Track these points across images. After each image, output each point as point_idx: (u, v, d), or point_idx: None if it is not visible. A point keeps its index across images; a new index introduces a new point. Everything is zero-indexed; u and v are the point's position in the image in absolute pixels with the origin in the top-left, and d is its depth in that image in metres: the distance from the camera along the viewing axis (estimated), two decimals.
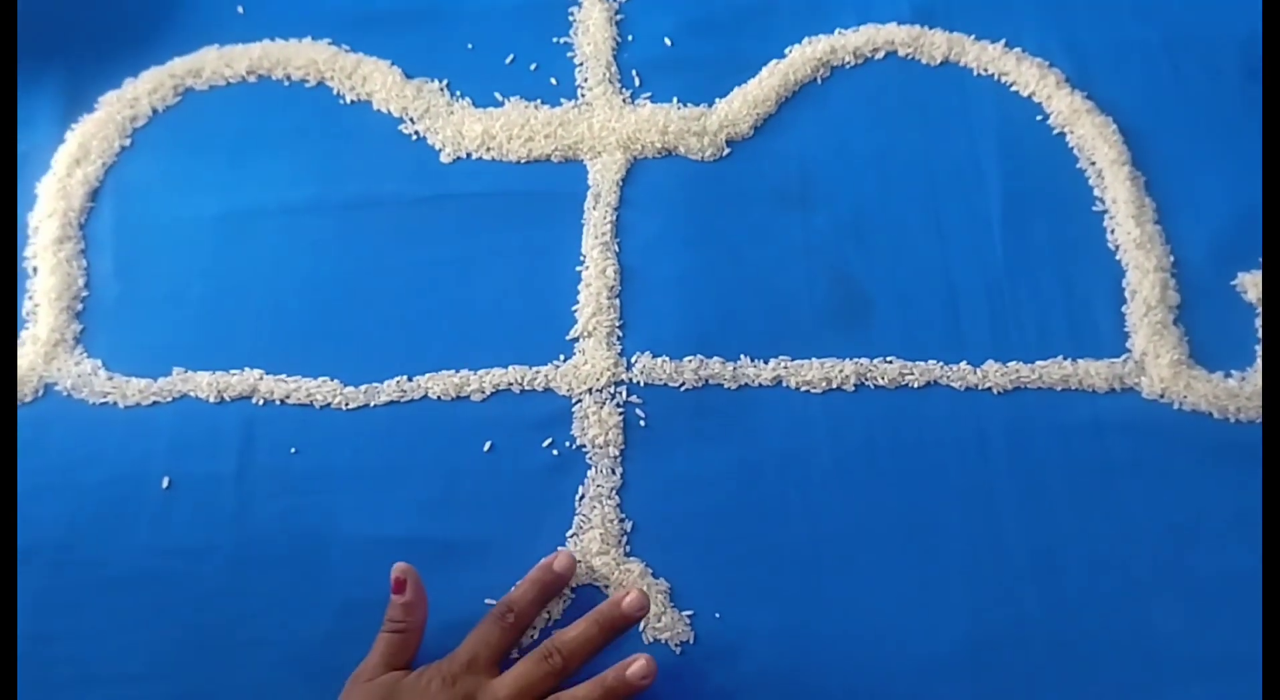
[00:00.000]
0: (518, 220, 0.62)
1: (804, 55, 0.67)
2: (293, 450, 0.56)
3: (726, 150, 0.64)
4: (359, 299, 0.60)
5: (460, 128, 0.65)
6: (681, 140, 0.64)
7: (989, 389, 0.57)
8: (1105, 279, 0.60)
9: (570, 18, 0.69)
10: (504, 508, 0.55)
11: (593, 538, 0.54)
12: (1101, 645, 0.51)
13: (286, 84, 0.67)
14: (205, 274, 0.61)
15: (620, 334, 0.59)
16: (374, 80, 0.66)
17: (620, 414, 0.57)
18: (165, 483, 0.55)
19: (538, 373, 0.58)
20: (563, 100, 0.66)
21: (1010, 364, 0.58)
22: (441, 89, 0.66)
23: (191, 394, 0.58)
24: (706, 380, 0.58)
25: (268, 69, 0.67)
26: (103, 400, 0.58)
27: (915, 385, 0.57)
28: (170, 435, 0.57)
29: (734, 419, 0.57)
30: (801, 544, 0.54)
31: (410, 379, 0.58)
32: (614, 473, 0.56)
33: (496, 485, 0.55)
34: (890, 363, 0.58)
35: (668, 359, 0.58)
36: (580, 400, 0.57)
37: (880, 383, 0.57)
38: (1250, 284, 0.59)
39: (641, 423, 0.57)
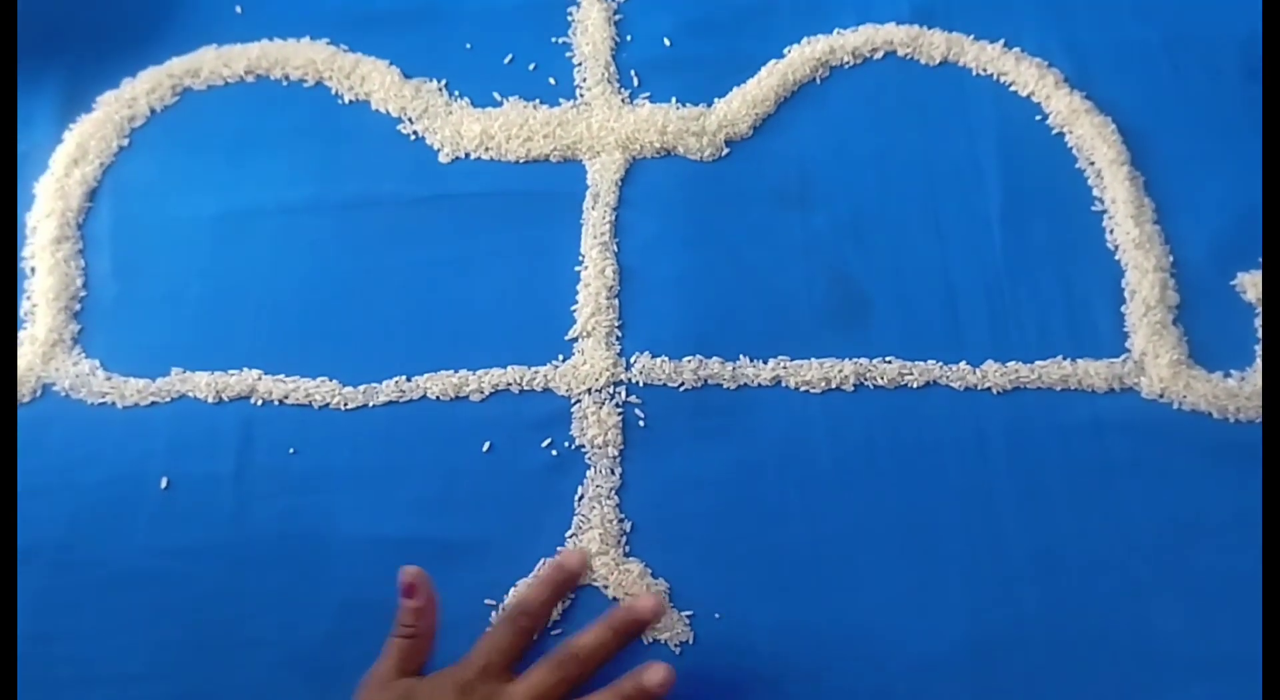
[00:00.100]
0: (516, 220, 0.62)
1: (803, 55, 0.67)
2: (291, 450, 0.56)
3: (725, 150, 0.64)
4: (358, 299, 0.60)
5: (459, 127, 0.65)
6: (680, 140, 0.64)
7: (988, 389, 0.57)
8: (1104, 279, 0.60)
9: (569, 18, 0.69)
10: (503, 508, 0.55)
11: (592, 538, 0.54)
12: (1101, 645, 0.51)
13: (285, 84, 0.67)
14: (203, 274, 0.61)
15: (619, 334, 0.59)
16: (372, 80, 0.66)
17: (619, 414, 0.57)
18: (164, 483, 0.55)
19: (537, 373, 0.58)
20: (561, 100, 0.66)
21: (1009, 364, 0.58)
22: (440, 89, 0.66)
23: (190, 394, 0.58)
24: (706, 380, 0.58)
25: (266, 69, 0.67)
26: (101, 400, 0.58)
27: (914, 385, 0.57)
28: (169, 435, 0.57)
29: (733, 419, 0.57)
30: (801, 544, 0.54)
31: (409, 379, 0.58)
32: (613, 473, 0.55)
33: (495, 485, 0.55)
34: (889, 363, 0.58)
35: (667, 359, 0.58)
36: (579, 400, 0.57)
37: (879, 383, 0.57)
38: (1250, 284, 0.59)
39: (641, 423, 0.57)
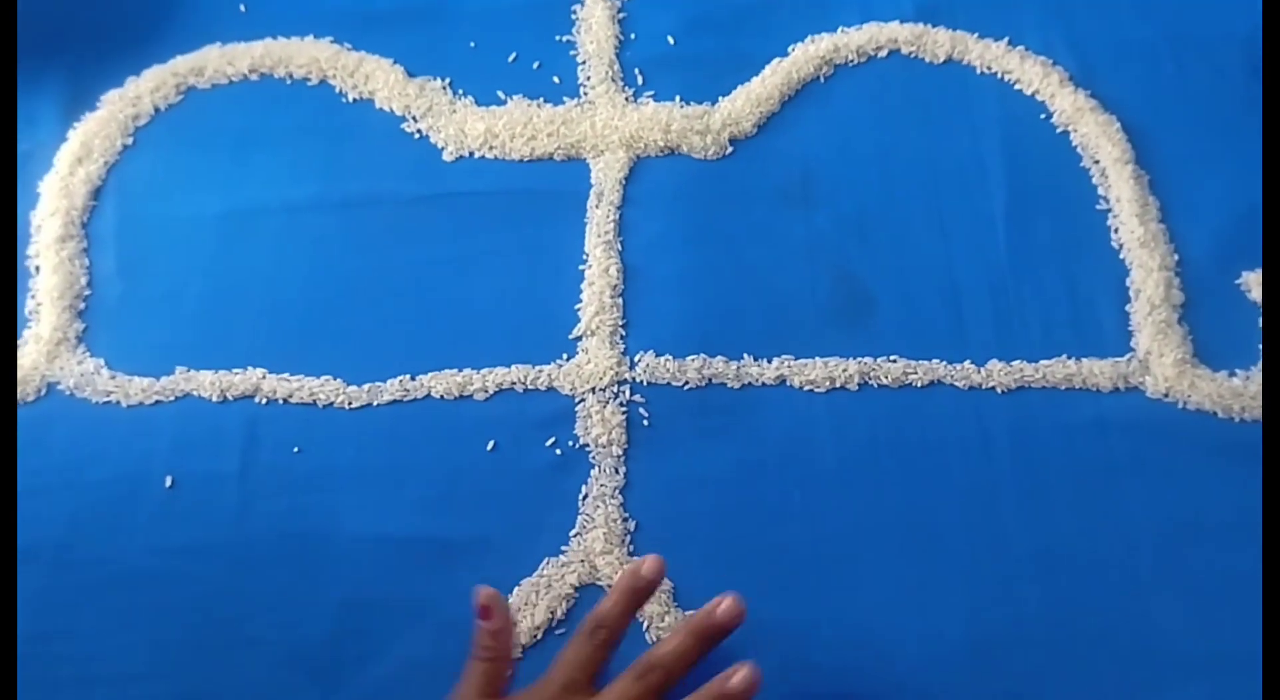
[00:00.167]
0: (520, 219, 0.62)
1: (807, 53, 0.67)
2: (295, 449, 0.56)
3: (729, 149, 0.64)
4: (362, 298, 0.60)
5: (463, 126, 0.65)
6: (684, 139, 0.64)
7: (993, 388, 0.57)
8: (1109, 278, 0.60)
9: (573, 16, 0.69)
10: (507, 507, 0.55)
11: (596, 537, 0.54)
12: (1104, 644, 0.51)
13: (289, 82, 0.67)
14: (208, 273, 0.61)
15: (623, 333, 0.59)
16: (376, 79, 0.66)
17: (623, 413, 0.57)
18: (168, 482, 0.55)
19: (541, 372, 0.58)
20: (565, 99, 0.66)
21: (1014, 363, 0.58)
22: (444, 87, 0.66)
23: (194, 393, 0.58)
24: (710, 379, 0.58)
25: (270, 67, 0.67)
26: (105, 399, 0.58)
27: (919, 384, 0.57)
28: (173, 434, 0.57)
29: (737, 418, 0.57)
30: (804, 543, 0.54)
31: (413, 378, 0.58)
32: (617, 472, 0.55)
33: (499, 485, 0.55)
34: (894, 362, 0.58)
35: (671, 358, 0.58)
36: (583, 399, 0.57)
37: (884, 382, 0.57)
38: (1254, 283, 0.59)
39: (645, 422, 0.57)
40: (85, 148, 0.64)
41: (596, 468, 0.56)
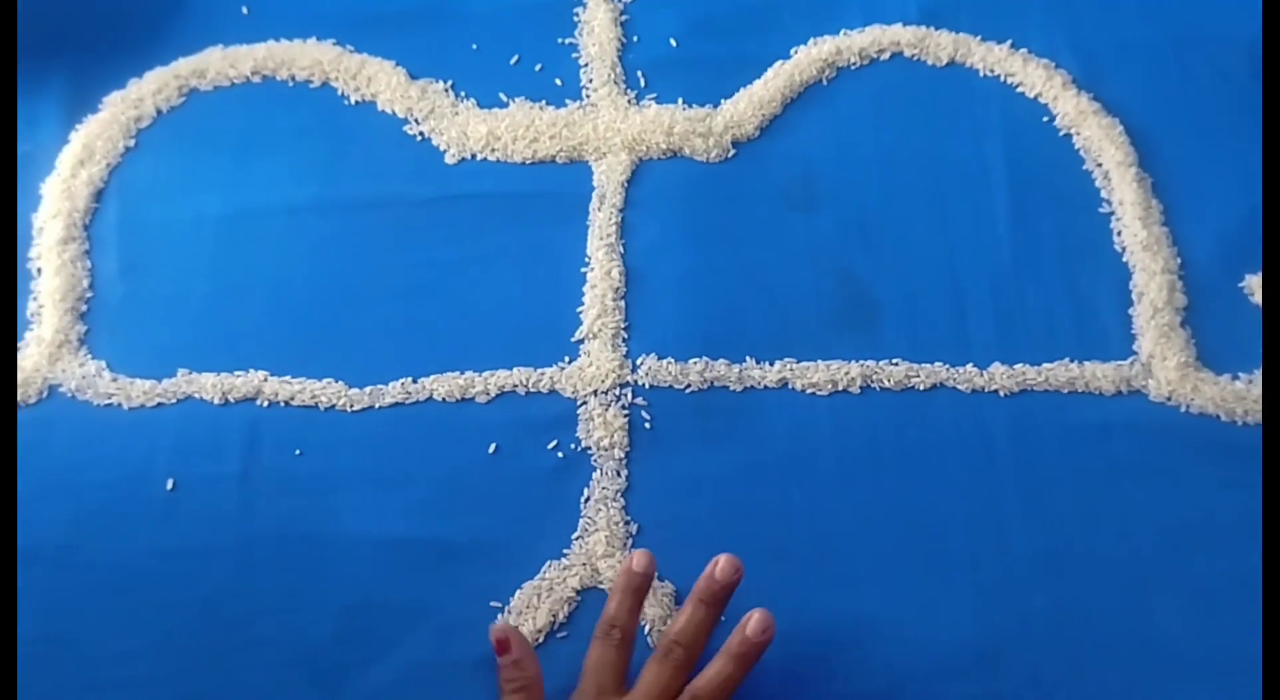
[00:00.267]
0: (522, 221, 0.62)
1: (810, 56, 0.67)
2: (297, 452, 0.56)
3: (732, 151, 0.64)
4: (364, 300, 0.60)
5: (465, 128, 0.65)
6: (686, 141, 0.64)
7: (995, 391, 0.57)
8: (1112, 281, 0.60)
9: (575, 18, 0.68)
10: (509, 510, 0.55)
11: (598, 540, 0.54)
12: (1107, 647, 0.51)
13: (291, 84, 0.67)
14: (210, 275, 0.61)
15: (625, 336, 0.59)
16: (379, 81, 0.66)
17: (625, 416, 0.57)
18: (170, 484, 0.55)
19: (543, 374, 0.58)
20: (568, 101, 0.66)
21: (1016, 366, 0.58)
22: (446, 90, 0.66)
23: (196, 395, 0.58)
24: (712, 382, 0.58)
25: (272, 69, 0.67)
26: (107, 401, 0.58)
27: (921, 387, 0.57)
28: (174, 437, 0.57)
29: (739, 421, 0.57)
30: (806, 546, 0.54)
31: (415, 381, 0.58)
32: (619, 475, 0.55)
33: (501, 487, 0.55)
34: (896, 365, 0.58)
35: (673, 361, 0.58)
36: (585, 402, 0.57)
37: (886, 385, 0.57)
38: (1257, 286, 0.59)
39: (647, 425, 0.57)
40: (87, 150, 0.64)
41: (598, 470, 0.55)
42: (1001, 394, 0.57)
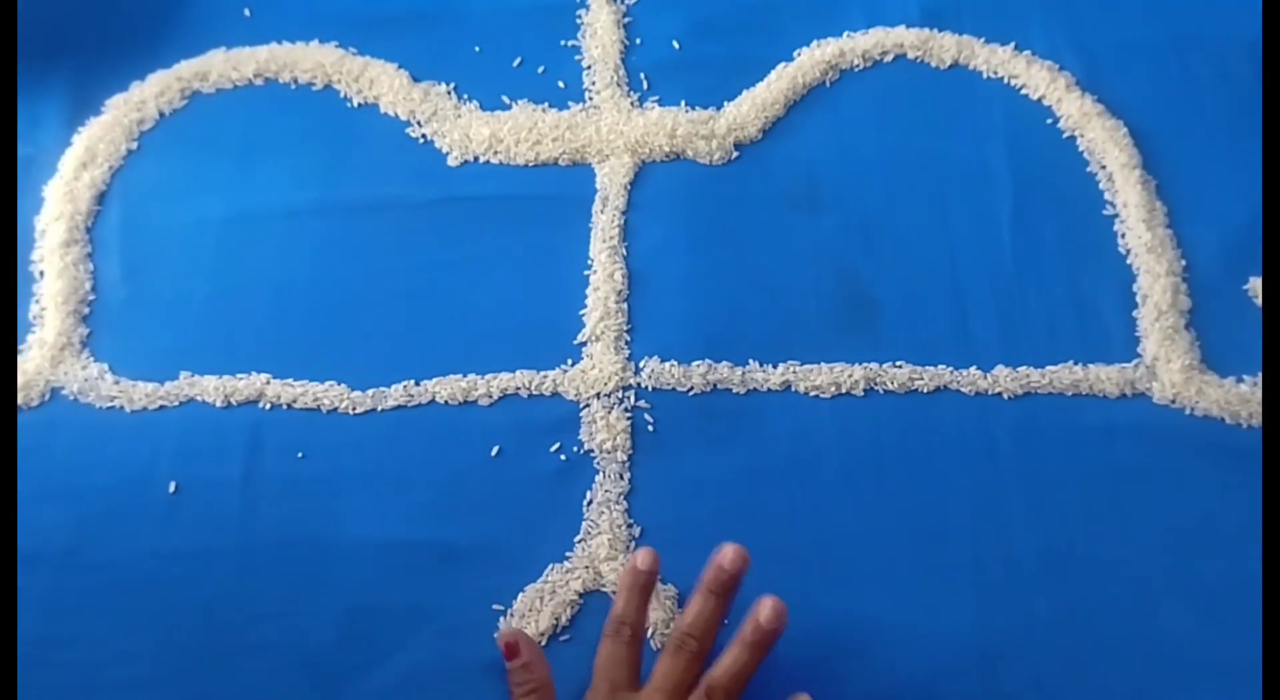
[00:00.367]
0: (525, 224, 0.62)
1: (812, 58, 0.67)
2: (299, 455, 0.56)
3: (734, 154, 0.64)
4: (366, 302, 0.60)
5: (468, 131, 0.64)
6: (689, 144, 0.64)
7: (999, 394, 0.57)
8: (1116, 283, 0.60)
9: (578, 20, 0.68)
10: (511, 513, 0.55)
11: (601, 543, 0.54)
12: (1111, 650, 0.51)
13: (293, 87, 0.67)
14: (212, 277, 0.61)
15: (628, 338, 0.59)
16: (381, 83, 0.66)
17: (628, 418, 0.57)
18: (172, 487, 0.55)
19: (545, 377, 0.58)
20: (570, 103, 0.66)
21: (1020, 369, 0.58)
22: (449, 92, 0.66)
23: (198, 398, 0.58)
24: (715, 384, 0.58)
25: (275, 72, 0.67)
26: (109, 404, 0.57)
27: (924, 390, 0.57)
28: (176, 439, 0.57)
29: (742, 423, 0.57)
30: (809, 549, 0.54)
31: (417, 383, 0.58)
32: (622, 478, 0.55)
33: (504, 490, 0.55)
34: (900, 367, 0.58)
35: (676, 363, 0.58)
36: (588, 405, 0.57)
37: (889, 387, 0.57)
38: (1261, 288, 0.59)
39: (650, 427, 0.57)
40: (90, 152, 0.64)
41: (601, 473, 0.55)
42: (1005, 397, 0.57)
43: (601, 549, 0.53)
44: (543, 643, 0.52)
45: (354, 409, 0.57)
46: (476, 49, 0.68)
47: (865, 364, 0.58)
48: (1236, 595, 0.52)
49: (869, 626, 0.52)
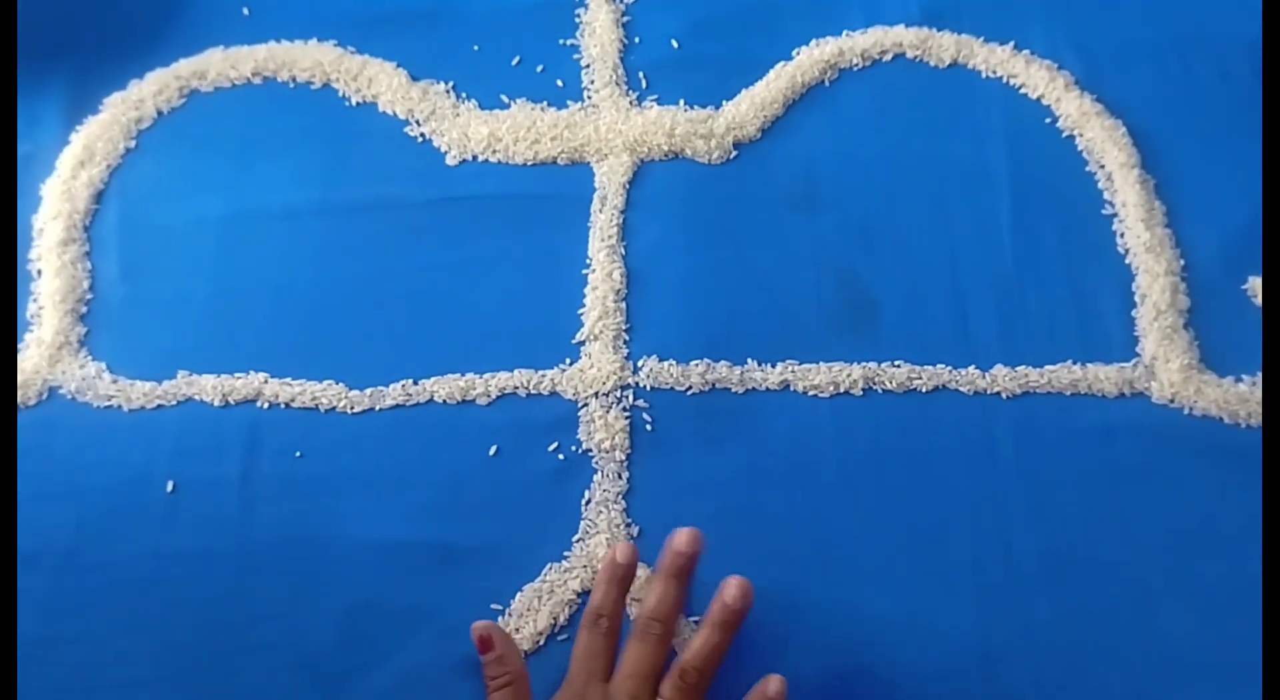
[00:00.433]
0: (524, 223, 0.62)
1: (812, 57, 0.67)
2: (298, 454, 0.56)
3: (733, 153, 0.64)
4: (364, 302, 0.60)
5: (466, 130, 0.64)
6: (688, 143, 0.64)
7: (998, 394, 0.57)
8: (1115, 283, 0.60)
9: (576, 19, 0.68)
10: (509, 512, 0.55)
11: (599, 543, 0.54)
12: (1111, 651, 0.51)
13: (292, 86, 0.67)
14: (210, 276, 0.61)
15: (627, 337, 0.59)
16: (380, 82, 0.66)
17: (627, 418, 0.57)
18: (170, 487, 0.55)
19: (544, 376, 0.58)
20: (569, 102, 0.66)
21: (1019, 368, 0.58)
22: (447, 91, 0.66)
23: (196, 397, 0.57)
24: (713, 384, 0.58)
25: (273, 71, 0.67)
26: (107, 403, 0.57)
27: (923, 390, 0.57)
28: (175, 439, 0.57)
29: (741, 423, 0.57)
30: (808, 549, 0.54)
31: (415, 383, 0.58)
32: (620, 477, 0.55)
33: (502, 490, 0.55)
34: (899, 367, 0.58)
35: (674, 362, 0.58)
36: (586, 404, 0.57)
37: (888, 387, 0.57)
38: (1261, 288, 0.59)
39: (648, 427, 0.57)
40: (87, 151, 0.64)
41: (599, 473, 0.55)
42: (1004, 396, 0.57)
43: (600, 549, 0.53)
44: (540, 642, 0.52)
45: (352, 408, 0.57)
46: (475, 48, 0.68)
47: (864, 363, 0.58)
48: (1236, 595, 0.52)
49: (868, 626, 0.52)
